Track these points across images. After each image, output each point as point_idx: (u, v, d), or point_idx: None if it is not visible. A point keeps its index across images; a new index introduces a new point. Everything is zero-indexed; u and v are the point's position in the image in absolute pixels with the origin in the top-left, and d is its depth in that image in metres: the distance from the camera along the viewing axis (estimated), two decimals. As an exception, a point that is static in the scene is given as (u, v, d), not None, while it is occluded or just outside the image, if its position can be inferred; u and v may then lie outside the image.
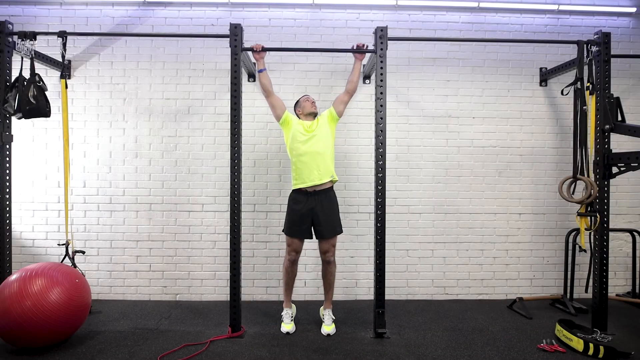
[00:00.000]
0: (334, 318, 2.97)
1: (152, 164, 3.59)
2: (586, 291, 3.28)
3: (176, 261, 3.59)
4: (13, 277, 2.44)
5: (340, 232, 2.94)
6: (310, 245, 3.52)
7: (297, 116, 3.05)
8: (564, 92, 3.21)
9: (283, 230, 2.96)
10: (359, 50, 2.90)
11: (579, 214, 2.99)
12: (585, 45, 3.01)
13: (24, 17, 3.56)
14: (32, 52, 2.93)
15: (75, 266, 3.01)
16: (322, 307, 3.10)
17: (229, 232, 2.91)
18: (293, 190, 2.93)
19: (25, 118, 2.84)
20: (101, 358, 2.42)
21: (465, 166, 3.67)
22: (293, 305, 3.12)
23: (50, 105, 2.94)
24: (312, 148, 2.84)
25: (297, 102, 3.09)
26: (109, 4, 3.60)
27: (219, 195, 3.60)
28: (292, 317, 3.00)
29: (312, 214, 2.85)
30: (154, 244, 3.59)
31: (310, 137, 2.87)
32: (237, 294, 2.80)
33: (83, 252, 3.24)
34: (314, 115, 3.00)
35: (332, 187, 2.94)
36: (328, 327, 2.87)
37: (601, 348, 2.44)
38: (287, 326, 2.88)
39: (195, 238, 3.59)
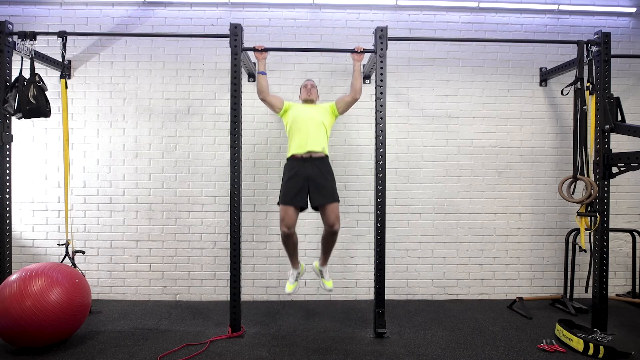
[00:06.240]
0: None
1: (152, 164, 3.59)
2: (586, 291, 3.28)
3: (176, 261, 3.59)
4: (13, 277, 2.45)
5: (338, 200, 2.86)
6: (309, 246, 3.53)
7: None
8: (564, 92, 3.21)
9: (278, 203, 2.87)
10: (358, 51, 2.90)
11: (579, 214, 2.99)
12: (585, 45, 3.01)
13: (24, 17, 3.56)
14: (32, 52, 2.93)
15: (75, 266, 3.01)
16: (317, 263, 3.10)
17: (229, 232, 2.91)
18: (287, 159, 2.90)
19: (25, 118, 2.84)
20: (101, 358, 2.42)
21: (465, 166, 3.67)
22: (301, 265, 3.09)
23: (50, 105, 2.94)
24: (308, 114, 2.88)
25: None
26: (109, 4, 3.60)
27: (219, 195, 3.60)
28: (297, 277, 3.03)
29: (308, 180, 2.79)
30: (154, 244, 3.59)
31: (308, 108, 2.95)
32: (237, 294, 2.80)
33: (83, 252, 3.24)
34: (312, 102, 3.03)
35: (327, 157, 2.90)
36: (329, 283, 3.04)
37: (601, 348, 2.44)
38: (289, 287, 2.99)
39: (195, 238, 3.59)
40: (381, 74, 2.82)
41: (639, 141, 3.27)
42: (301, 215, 2.90)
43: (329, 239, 2.91)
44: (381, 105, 2.82)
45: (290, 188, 2.80)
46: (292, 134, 2.88)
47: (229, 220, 2.83)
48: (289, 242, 2.87)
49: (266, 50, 2.92)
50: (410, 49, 3.66)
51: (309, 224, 3.55)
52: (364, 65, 3.33)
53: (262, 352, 2.53)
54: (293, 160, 2.85)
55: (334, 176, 2.90)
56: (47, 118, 2.95)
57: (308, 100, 3.01)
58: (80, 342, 2.62)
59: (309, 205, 2.85)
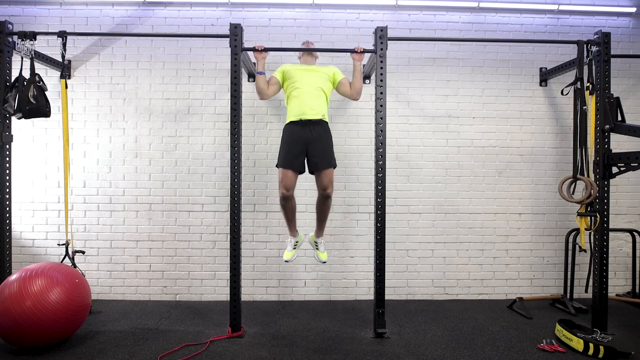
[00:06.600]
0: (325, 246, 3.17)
1: (152, 164, 3.59)
2: (586, 291, 3.28)
3: (176, 261, 3.59)
4: (13, 277, 2.44)
5: (335, 165, 2.91)
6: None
7: None
8: (564, 92, 3.21)
9: (277, 165, 2.90)
10: (358, 51, 2.90)
11: (579, 214, 2.99)
12: (585, 45, 3.01)
13: (24, 17, 3.56)
14: (32, 52, 2.93)
15: (75, 266, 3.01)
16: (313, 234, 3.12)
17: (229, 232, 2.91)
18: (287, 124, 2.91)
19: (25, 118, 2.84)
20: (101, 358, 2.42)
21: (465, 166, 3.67)
22: (299, 234, 3.12)
23: (50, 105, 2.94)
24: (307, 80, 2.86)
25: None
26: (109, 4, 3.60)
27: (219, 195, 3.60)
28: (295, 245, 3.05)
29: (307, 143, 2.82)
30: (154, 244, 3.59)
31: (308, 71, 2.92)
32: (237, 294, 2.80)
33: (83, 252, 3.23)
34: (310, 55, 3.01)
35: (327, 123, 2.92)
36: (323, 255, 3.05)
37: (601, 348, 2.44)
38: (287, 255, 3.01)
39: (195, 238, 3.59)
40: (381, 74, 2.82)
41: (639, 141, 3.27)
42: (300, 184, 2.97)
43: (322, 204, 2.94)
44: (381, 105, 2.82)
45: (289, 151, 2.83)
46: (291, 101, 2.89)
47: (229, 220, 2.82)
48: (288, 205, 2.90)
49: (266, 50, 2.92)
50: (410, 49, 3.66)
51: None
52: (364, 65, 3.32)
53: (262, 352, 2.53)
54: (293, 124, 2.87)
55: (332, 141, 2.94)
56: (47, 118, 2.94)
57: (307, 54, 2.99)
58: (80, 342, 2.62)
59: (307, 170, 2.90)
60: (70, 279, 2.54)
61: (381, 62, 2.83)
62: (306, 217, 3.52)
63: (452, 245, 3.66)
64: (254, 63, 3.02)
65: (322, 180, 2.85)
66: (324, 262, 3.10)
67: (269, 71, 3.45)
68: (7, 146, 2.89)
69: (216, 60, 3.61)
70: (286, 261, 3.03)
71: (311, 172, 2.91)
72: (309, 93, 2.84)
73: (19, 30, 2.89)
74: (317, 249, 3.10)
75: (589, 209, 2.96)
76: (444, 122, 3.67)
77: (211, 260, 3.59)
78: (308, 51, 3.01)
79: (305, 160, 2.88)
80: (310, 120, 2.83)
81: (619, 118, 2.92)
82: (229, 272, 2.89)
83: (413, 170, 3.65)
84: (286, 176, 2.83)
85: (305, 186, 3.49)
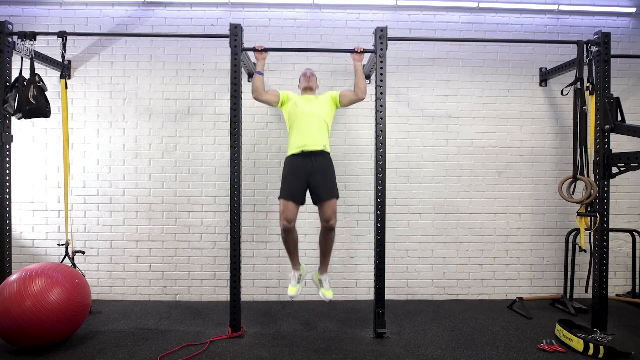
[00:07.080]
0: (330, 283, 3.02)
1: (152, 164, 3.59)
2: (586, 291, 3.28)
3: (176, 261, 3.59)
4: (13, 277, 2.45)
5: (338, 196, 2.85)
6: (309, 246, 3.53)
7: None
8: (564, 92, 3.21)
9: (278, 197, 2.86)
10: (358, 51, 2.90)
11: (579, 214, 2.99)
12: (585, 45, 3.01)
13: (24, 17, 3.56)
14: (32, 52, 2.93)
15: (75, 266, 3.01)
16: (317, 272, 3.05)
17: (229, 232, 2.91)
18: (288, 156, 2.87)
19: (25, 118, 2.85)
20: (101, 358, 2.42)
21: (465, 166, 3.67)
22: (302, 267, 3.03)
23: (50, 105, 2.94)
24: (309, 110, 2.84)
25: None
26: (108, 4, 3.60)
27: (219, 195, 3.60)
28: (299, 279, 2.98)
29: (309, 175, 2.77)
30: (154, 244, 3.59)
31: (308, 102, 2.89)
32: (237, 294, 2.80)
33: (83, 252, 3.24)
34: (311, 89, 2.99)
35: (328, 153, 2.88)
36: (328, 293, 2.92)
37: (601, 348, 2.44)
38: (292, 289, 2.91)
39: (195, 238, 3.59)
40: (381, 74, 2.82)
41: (639, 141, 3.26)
42: (301, 214, 2.89)
43: (326, 236, 2.88)
44: (381, 105, 2.82)
45: (290, 183, 2.80)
46: (293, 132, 2.86)
47: (229, 220, 2.83)
48: (289, 237, 2.85)
49: (266, 50, 2.92)
50: (410, 49, 3.66)
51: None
52: (364, 65, 3.32)
53: (262, 352, 2.53)
54: (293, 157, 2.84)
55: (334, 171, 2.89)
56: (47, 118, 2.95)
57: (307, 89, 2.97)
58: (80, 342, 2.62)
59: (307, 201, 2.85)
60: (70, 279, 2.54)
61: (381, 62, 2.83)
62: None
63: (452, 246, 3.66)
64: (254, 63, 3.02)
65: (324, 212, 2.79)
66: (331, 300, 2.97)
67: (269, 71, 3.46)
68: (7, 146, 2.89)
69: (216, 60, 3.61)
70: (291, 297, 2.92)
71: (314, 203, 2.86)
72: (310, 124, 2.81)
73: (19, 31, 2.89)
74: (321, 286, 2.96)
75: (589, 209, 2.96)
76: (443, 122, 3.67)
77: (211, 260, 3.59)
78: (308, 87, 2.96)
79: (308, 192, 2.83)
80: (311, 152, 2.79)
81: (619, 118, 2.92)
82: (229, 272, 2.89)
83: (413, 170, 3.65)
84: (287, 208, 2.77)
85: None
